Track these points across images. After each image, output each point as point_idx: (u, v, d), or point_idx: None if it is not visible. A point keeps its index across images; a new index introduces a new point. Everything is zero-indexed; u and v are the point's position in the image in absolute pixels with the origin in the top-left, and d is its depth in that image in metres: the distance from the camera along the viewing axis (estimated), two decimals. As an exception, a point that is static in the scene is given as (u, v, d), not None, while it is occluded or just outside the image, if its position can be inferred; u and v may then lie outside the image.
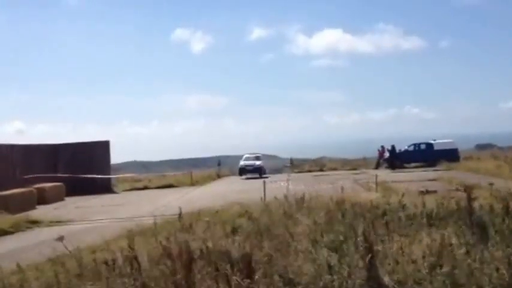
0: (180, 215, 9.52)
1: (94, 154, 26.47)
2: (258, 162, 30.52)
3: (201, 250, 5.66)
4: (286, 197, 11.05)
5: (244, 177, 29.61)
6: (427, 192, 12.35)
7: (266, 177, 26.43)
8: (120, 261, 5.77)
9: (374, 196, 11.65)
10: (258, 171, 29.61)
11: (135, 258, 5.50)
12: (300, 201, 10.44)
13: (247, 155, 32.18)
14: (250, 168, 30.14)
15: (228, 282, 4.86)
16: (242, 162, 31.09)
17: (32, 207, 19.61)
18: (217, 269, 5.17)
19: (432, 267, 4.87)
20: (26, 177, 21.67)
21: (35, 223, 15.53)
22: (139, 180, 30.39)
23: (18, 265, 6.63)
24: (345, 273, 4.78)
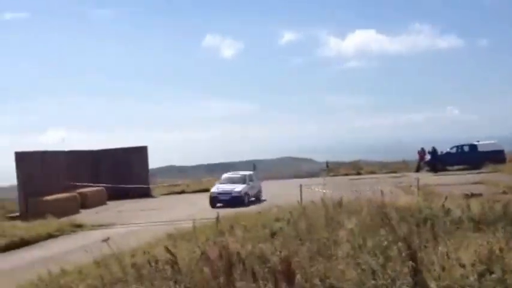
0: (217, 218, 9.58)
1: (133, 159, 27.25)
2: (238, 188, 20.35)
3: (240, 254, 5.66)
4: (323, 200, 10.88)
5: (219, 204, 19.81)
6: (472, 195, 11.85)
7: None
8: (161, 264, 5.87)
9: (416, 200, 11.26)
10: (238, 201, 19.31)
11: (176, 261, 5.58)
12: (338, 205, 10.25)
13: (226, 176, 22.18)
14: (226, 197, 19.99)
15: (269, 286, 4.84)
16: (214, 188, 21.10)
17: (76, 212, 20.44)
18: (256, 273, 5.16)
19: (481, 274, 4.64)
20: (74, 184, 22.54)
21: (78, 227, 16.20)
22: (177, 185, 30.94)
23: (62, 269, 6.88)
24: (389, 279, 4.65)
